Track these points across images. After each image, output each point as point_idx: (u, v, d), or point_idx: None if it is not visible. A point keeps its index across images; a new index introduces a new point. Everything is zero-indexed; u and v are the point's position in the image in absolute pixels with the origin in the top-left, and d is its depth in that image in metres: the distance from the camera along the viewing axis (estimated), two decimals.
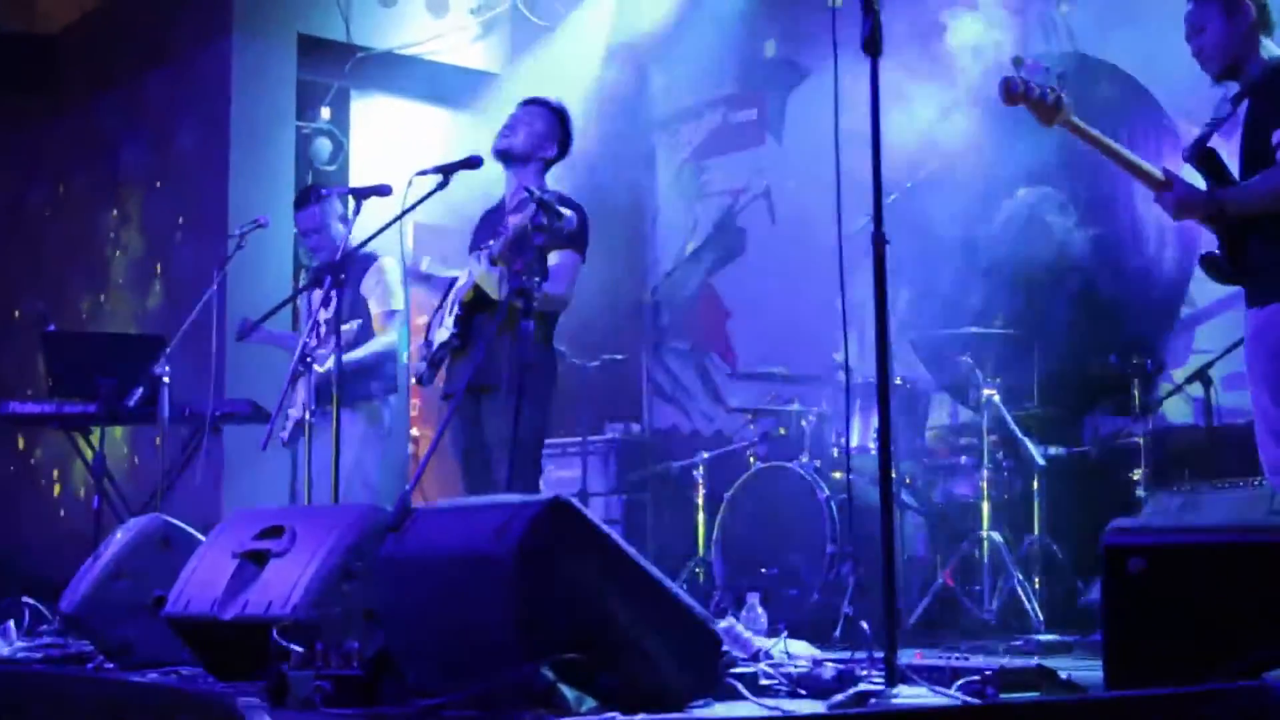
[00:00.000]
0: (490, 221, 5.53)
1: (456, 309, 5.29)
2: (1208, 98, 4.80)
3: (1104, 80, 7.21)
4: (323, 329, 5.75)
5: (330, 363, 5.32)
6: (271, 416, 5.82)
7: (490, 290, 5.13)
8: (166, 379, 6.04)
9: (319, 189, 6.57)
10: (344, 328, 5.43)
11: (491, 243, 5.18)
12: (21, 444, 10.28)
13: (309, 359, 5.57)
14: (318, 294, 5.93)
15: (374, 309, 6.22)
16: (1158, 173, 4.27)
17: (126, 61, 9.80)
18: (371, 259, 6.23)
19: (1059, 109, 4.14)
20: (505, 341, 4.95)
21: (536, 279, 4.62)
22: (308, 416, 5.57)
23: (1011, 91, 4.09)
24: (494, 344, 4.95)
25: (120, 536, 4.55)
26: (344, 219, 6.26)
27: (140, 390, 6.19)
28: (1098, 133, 4.24)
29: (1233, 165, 4.34)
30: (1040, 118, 4.15)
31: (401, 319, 6.32)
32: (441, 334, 5.33)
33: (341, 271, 5.38)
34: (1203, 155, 4.34)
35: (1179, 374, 6.54)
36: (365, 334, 6.09)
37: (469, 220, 5.76)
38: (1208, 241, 4.48)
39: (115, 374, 6.35)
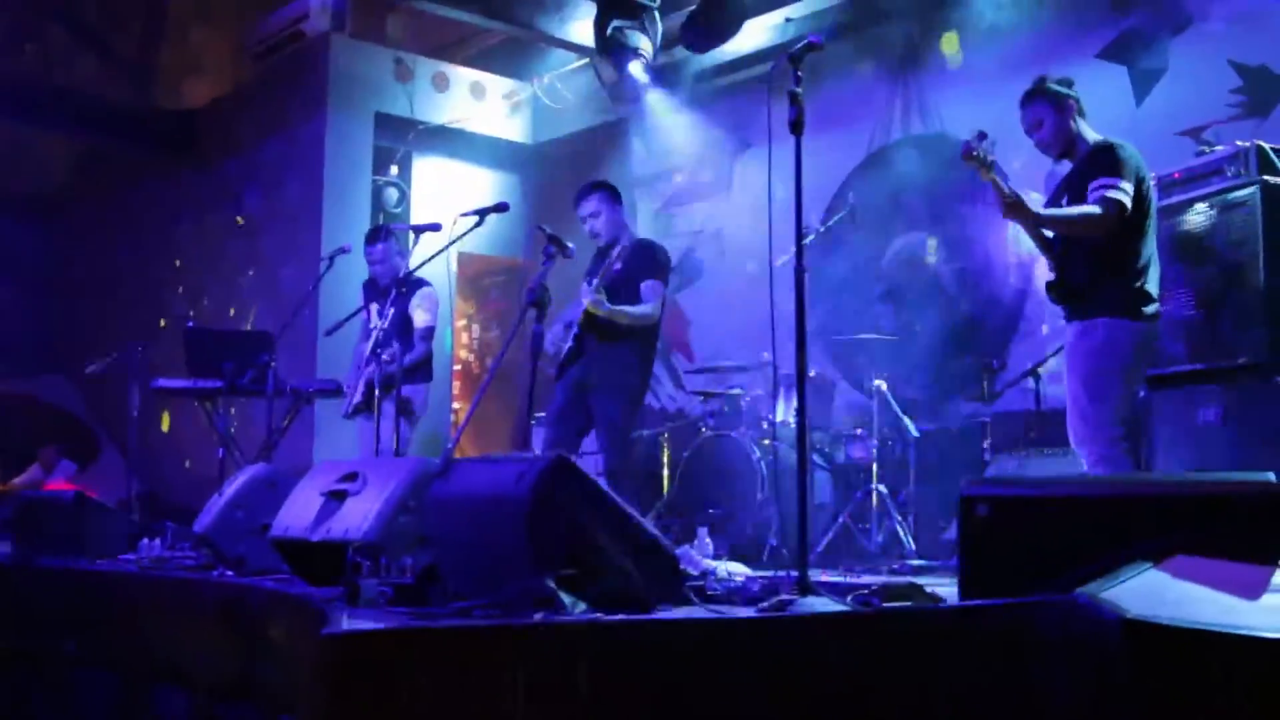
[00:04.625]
0: (596, 261, 5.42)
1: (575, 329, 5.20)
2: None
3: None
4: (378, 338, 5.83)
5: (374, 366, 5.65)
6: (347, 393, 5.95)
7: (596, 312, 5.07)
8: (273, 364, 6.02)
9: (384, 229, 6.53)
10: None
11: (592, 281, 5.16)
12: (167, 411, 10.26)
13: (379, 351, 5.58)
14: (374, 306, 6.05)
15: (415, 325, 6.20)
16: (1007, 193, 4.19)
17: (249, 131, 9.77)
18: (420, 285, 6.18)
19: (990, 169, 4.07)
20: (607, 350, 5.03)
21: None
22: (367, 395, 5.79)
23: (969, 153, 4.02)
24: (603, 352, 5.04)
25: (238, 479, 4.54)
26: (401, 253, 6.26)
27: (254, 372, 6.17)
28: (1000, 180, 4.15)
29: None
30: (980, 174, 4.06)
31: (434, 333, 6.32)
32: (564, 346, 5.24)
33: (402, 288, 5.43)
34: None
35: (1016, 371, 6.54)
36: (406, 345, 6.07)
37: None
38: (1044, 275, 4.48)
39: (236, 359, 6.31)
